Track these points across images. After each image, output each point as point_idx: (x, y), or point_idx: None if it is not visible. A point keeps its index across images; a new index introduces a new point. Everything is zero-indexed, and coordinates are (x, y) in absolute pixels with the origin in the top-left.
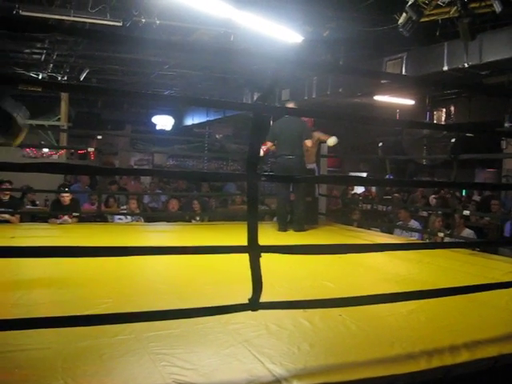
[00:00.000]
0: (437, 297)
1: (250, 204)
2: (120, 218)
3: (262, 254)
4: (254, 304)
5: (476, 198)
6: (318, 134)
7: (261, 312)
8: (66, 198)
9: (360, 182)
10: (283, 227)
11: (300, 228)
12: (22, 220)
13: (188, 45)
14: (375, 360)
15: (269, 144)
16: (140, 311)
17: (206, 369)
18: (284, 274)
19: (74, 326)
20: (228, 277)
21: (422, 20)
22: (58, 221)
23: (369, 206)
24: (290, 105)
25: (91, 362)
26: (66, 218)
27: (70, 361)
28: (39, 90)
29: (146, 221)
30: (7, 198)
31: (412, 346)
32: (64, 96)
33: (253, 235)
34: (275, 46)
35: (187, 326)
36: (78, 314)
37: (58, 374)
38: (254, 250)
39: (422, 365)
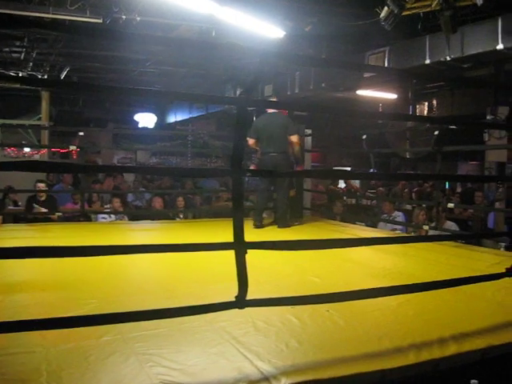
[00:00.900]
0: (425, 290)
1: (235, 200)
2: (104, 217)
3: (248, 251)
4: (241, 302)
5: (459, 190)
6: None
7: (248, 309)
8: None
9: (345, 176)
10: (259, 223)
11: (284, 225)
12: (4, 221)
13: (174, 40)
14: (364, 355)
15: (251, 142)
16: (125, 311)
17: (193, 368)
18: (270, 271)
19: (58, 328)
20: (215, 274)
21: (404, 13)
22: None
23: (353, 201)
24: (273, 99)
25: (77, 365)
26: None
27: (54, 364)
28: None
29: (130, 219)
30: None
31: (400, 340)
32: (45, 95)
33: (238, 232)
34: (257, 41)
35: (174, 325)
36: (63, 315)
37: (43, 378)
38: (239, 246)
39: (411, 359)
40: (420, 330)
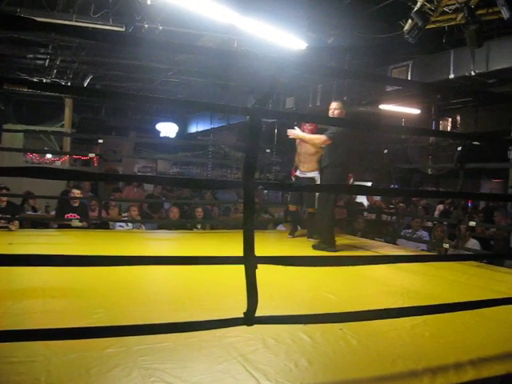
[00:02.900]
0: (442, 312)
1: (246, 212)
2: (121, 226)
3: (264, 265)
4: (249, 318)
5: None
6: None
7: (258, 325)
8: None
9: (364, 191)
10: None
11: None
12: (22, 226)
13: (190, 46)
14: (376, 378)
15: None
16: (130, 324)
17: None
18: (284, 285)
19: (61, 339)
20: (228, 287)
21: (428, 27)
22: None
23: (373, 216)
24: (334, 104)
25: (77, 377)
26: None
27: (55, 375)
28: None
29: (149, 228)
30: (4, 204)
31: (415, 363)
32: (68, 102)
33: (249, 246)
34: (279, 53)
35: (181, 339)
36: (69, 324)
37: None
38: (249, 261)
39: (425, 383)
40: (436, 353)
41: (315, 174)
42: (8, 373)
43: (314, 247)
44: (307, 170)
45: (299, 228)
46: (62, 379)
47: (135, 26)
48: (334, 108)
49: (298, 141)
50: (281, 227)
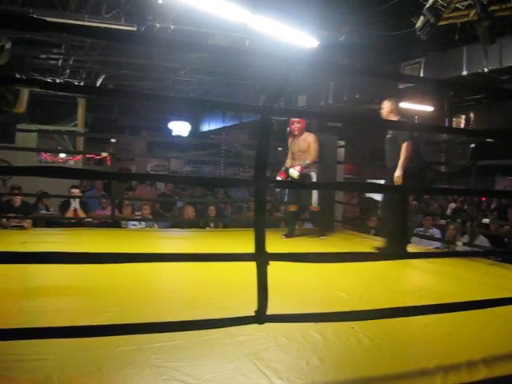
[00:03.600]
0: (454, 311)
1: (257, 210)
2: (134, 224)
3: (276, 263)
4: (260, 317)
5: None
6: (312, 139)
7: (270, 323)
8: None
9: (375, 189)
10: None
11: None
12: (36, 225)
13: (202, 45)
14: (388, 376)
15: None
16: (142, 322)
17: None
18: (296, 284)
19: (73, 337)
20: (240, 285)
21: (441, 23)
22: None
23: None
24: (388, 103)
25: (89, 375)
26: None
27: (67, 373)
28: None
29: (162, 227)
30: (18, 203)
31: (427, 361)
32: (81, 102)
33: (260, 242)
34: (290, 51)
35: (193, 337)
36: (81, 322)
37: None
38: (261, 258)
39: (438, 382)
40: (449, 351)
41: (311, 171)
42: (21, 370)
43: (377, 249)
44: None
45: (311, 226)
46: (74, 377)
47: (147, 26)
48: (383, 107)
49: (290, 139)
50: None
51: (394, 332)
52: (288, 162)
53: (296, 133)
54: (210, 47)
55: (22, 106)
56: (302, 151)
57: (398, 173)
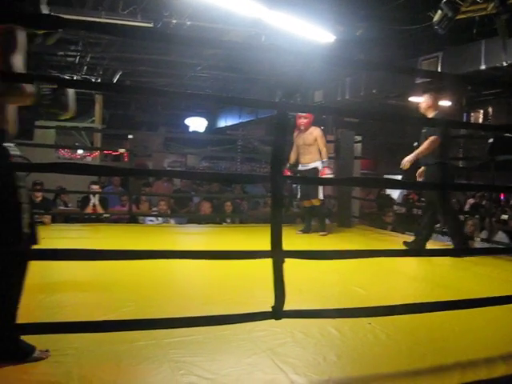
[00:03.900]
0: (472, 307)
1: (274, 206)
2: (151, 220)
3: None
4: (277, 312)
5: None
6: (318, 134)
7: (287, 318)
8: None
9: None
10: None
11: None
12: (54, 221)
13: (218, 41)
14: (405, 373)
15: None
16: (160, 318)
17: (225, 379)
18: (312, 279)
19: (91, 332)
20: (257, 281)
21: (458, 17)
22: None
23: (403, 210)
24: (427, 98)
25: (109, 370)
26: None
27: (86, 368)
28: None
29: (179, 222)
30: (39, 199)
31: (445, 358)
32: (98, 98)
33: (276, 239)
34: (307, 46)
35: (210, 333)
36: (99, 317)
37: (73, 382)
38: (277, 254)
39: (455, 379)
40: (466, 348)
41: (317, 164)
42: (40, 365)
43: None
44: (308, 162)
45: (329, 222)
46: (93, 372)
47: (163, 22)
48: (423, 101)
49: (295, 133)
50: None
51: (412, 328)
52: (292, 158)
53: (302, 127)
54: (226, 43)
55: (73, 109)
56: (308, 144)
57: (408, 158)
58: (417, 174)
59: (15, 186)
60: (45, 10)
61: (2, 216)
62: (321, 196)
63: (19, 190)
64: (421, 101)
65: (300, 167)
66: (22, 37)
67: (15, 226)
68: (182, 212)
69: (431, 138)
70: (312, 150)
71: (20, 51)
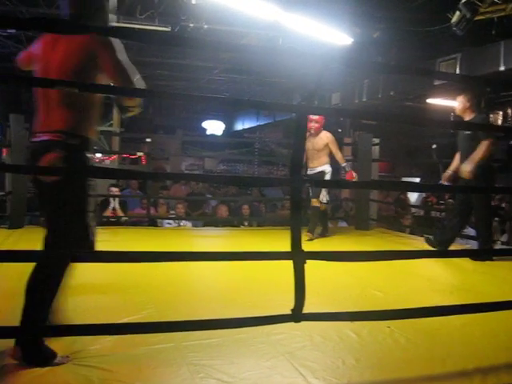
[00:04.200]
0: (494, 310)
1: (293, 209)
2: (169, 223)
3: (309, 261)
4: (297, 315)
5: None
6: (329, 139)
7: (305, 322)
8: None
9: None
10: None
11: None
12: None
13: (235, 44)
14: (425, 377)
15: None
16: (179, 320)
17: (244, 382)
18: (329, 282)
19: (111, 335)
20: (275, 283)
21: (477, 18)
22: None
23: (422, 212)
24: (463, 99)
25: (128, 373)
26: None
27: (106, 370)
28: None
29: (195, 225)
30: None
31: (466, 362)
32: None
33: (296, 241)
34: (324, 49)
35: (229, 336)
36: (119, 320)
37: None
38: (297, 256)
39: (476, 383)
40: (487, 352)
41: (325, 168)
42: (61, 369)
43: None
44: (316, 166)
45: (345, 224)
46: (113, 375)
47: (181, 26)
48: (458, 103)
49: (307, 134)
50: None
51: (431, 332)
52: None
53: (312, 131)
54: (243, 46)
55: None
56: (317, 150)
57: (468, 167)
58: (444, 177)
59: (87, 195)
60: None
61: (70, 221)
62: (324, 199)
63: (89, 199)
64: (456, 103)
65: (308, 171)
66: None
67: (80, 232)
68: (196, 215)
69: (486, 142)
70: (321, 155)
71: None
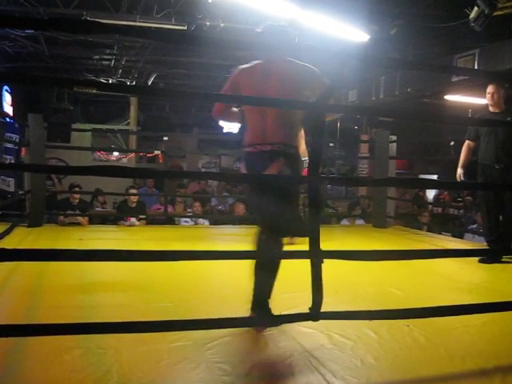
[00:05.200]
0: None
1: (311, 207)
2: (186, 221)
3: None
4: (315, 314)
5: None
6: None
7: (324, 320)
8: (133, 200)
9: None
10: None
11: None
12: (91, 222)
13: (251, 43)
14: (445, 376)
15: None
16: (198, 318)
17: (262, 380)
18: (348, 280)
19: (130, 333)
20: (293, 282)
21: (495, 14)
22: (126, 223)
23: (440, 210)
24: (490, 88)
25: (147, 369)
26: (133, 220)
27: (126, 366)
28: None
29: (213, 223)
30: (77, 201)
31: (485, 361)
32: (133, 101)
33: (314, 240)
34: (341, 46)
35: (247, 334)
36: (138, 318)
37: (113, 381)
38: (315, 255)
39: (497, 382)
40: (507, 351)
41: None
42: (81, 362)
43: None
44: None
45: (363, 222)
46: (132, 370)
47: (197, 25)
48: (492, 92)
49: None
50: (345, 221)
51: (451, 330)
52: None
53: None
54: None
55: None
56: None
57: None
58: (459, 174)
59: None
60: None
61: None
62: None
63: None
64: (493, 91)
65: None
66: None
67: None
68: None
69: None
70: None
71: None
